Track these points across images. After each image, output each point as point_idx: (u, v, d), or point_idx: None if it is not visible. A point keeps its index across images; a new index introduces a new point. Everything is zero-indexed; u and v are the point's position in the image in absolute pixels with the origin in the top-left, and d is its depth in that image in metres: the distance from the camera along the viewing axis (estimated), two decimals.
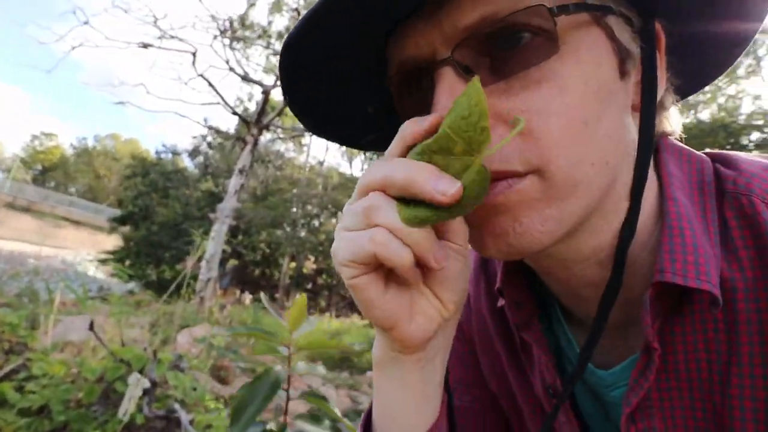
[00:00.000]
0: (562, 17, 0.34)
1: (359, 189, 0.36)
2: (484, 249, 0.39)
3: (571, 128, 0.34)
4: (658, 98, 0.41)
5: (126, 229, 17.63)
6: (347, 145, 0.53)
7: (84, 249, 27.42)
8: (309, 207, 17.85)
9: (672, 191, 0.41)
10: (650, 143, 0.39)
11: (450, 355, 0.53)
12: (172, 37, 9.21)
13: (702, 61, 0.48)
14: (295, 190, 18.05)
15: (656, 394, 0.41)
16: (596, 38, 0.37)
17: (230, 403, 2.88)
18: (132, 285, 14.85)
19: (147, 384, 1.65)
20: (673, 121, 0.47)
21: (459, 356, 0.64)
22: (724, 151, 0.46)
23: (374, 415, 0.45)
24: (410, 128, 0.35)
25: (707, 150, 0.47)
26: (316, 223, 17.81)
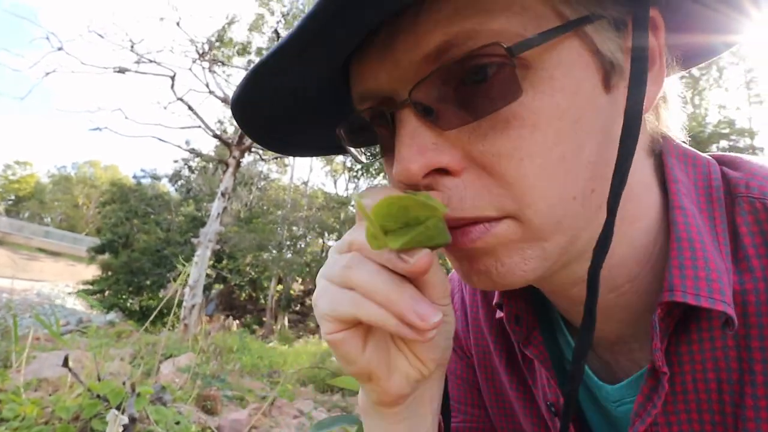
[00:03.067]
0: (527, 51, 0.30)
1: (344, 243, 0.35)
2: (469, 282, 0.37)
3: (546, 169, 0.32)
4: (658, 95, 0.37)
5: (105, 257, 17.19)
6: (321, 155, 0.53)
7: (62, 280, 26.63)
8: (294, 228, 17.72)
9: (679, 199, 0.38)
10: (631, 150, 0.33)
11: (448, 373, 0.50)
12: (150, 61, 9.15)
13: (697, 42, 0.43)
14: (280, 212, 17.93)
15: (663, 419, 0.38)
16: (575, 55, 0.32)
17: None
18: (112, 315, 14.43)
19: (125, 420, 1.55)
20: (676, 119, 0.43)
21: (456, 375, 0.62)
22: (730, 154, 0.43)
23: None
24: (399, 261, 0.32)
25: (712, 153, 0.44)
26: (302, 244, 17.65)
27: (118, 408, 1.87)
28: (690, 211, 0.37)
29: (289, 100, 0.38)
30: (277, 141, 0.45)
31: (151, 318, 3.20)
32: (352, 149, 0.42)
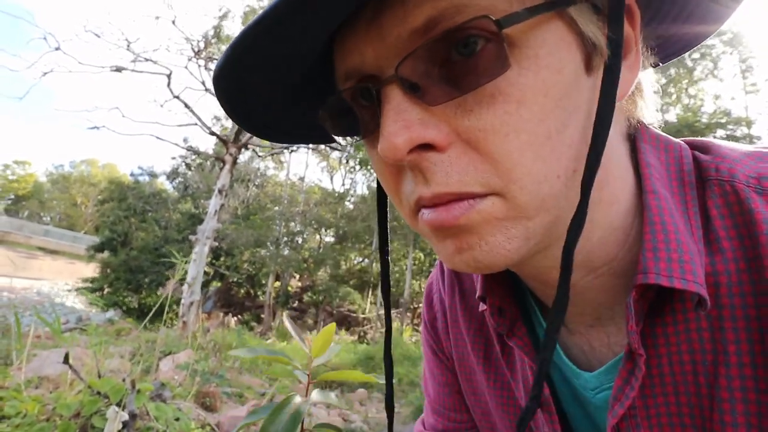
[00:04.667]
0: (513, 26, 0.30)
1: None
2: (451, 262, 0.36)
3: (532, 145, 0.32)
4: (633, 82, 0.38)
5: (104, 255, 17.22)
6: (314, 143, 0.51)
7: (61, 279, 26.62)
8: (292, 224, 17.73)
9: (652, 183, 0.38)
10: (604, 136, 0.34)
11: (429, 378, 0.50)
12: (146, 59, 9.13)
13: (675, 35, 0.44)
14: (277, 208, 17.94)
15: (641, 402, 0.39)
16: (558, 36, 0.32)
17: None
18: (111, 313, 14.46)
19: (126, 417, 1.59)
20: (651, 107, 0.43)
21: (439, 380, 0.62)
22: (702, 138, 0.44)
23: None
24: None
25: (684, 138, 0.44)
26: (299, 240, 17.66)
27: (118, 405, 1.92)
28: (662, 195, 0.38)
29: (269, 82, 0.37)
30: (260, 125, 0.43)
31: (150, 316, 3.25)
32: (334, 134, 0.40)
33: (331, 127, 0.40)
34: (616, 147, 0.39)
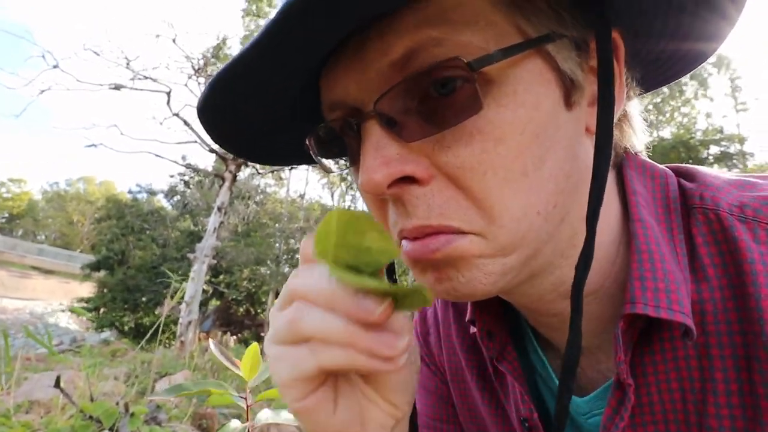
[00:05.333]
0: (489, 66, 0.30)
1: (284, 297, 0.33)
2: (432, 290, 0.36)
3: (509, 182, 0.32)
4: (617, 113, 0.38)
5: (101, 274, 17.03)
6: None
7: (55, 299, 26.30)
8: (292, 241, 17.65)
9: (639, 211, 0.39)
10: (605, 173, 0.34)
11: (420, 389, 0.52)
12: (146, 77, 9.16)
13: (659, 67, 0.45)
14: (277, 225, 17.87)
15: (630, 430, 0.39)
16: (536, 72, 0.33)
17: None
18: (107, 334, 14.23)
19: None
20: (639, 135, 0.44)
21: (430, 390, 0.61)
22: (686, 165, 0.45)
23: None
24: (357, 308, 0.29)
25: (669, 164, 0.45)
26: (299, 257, 17.61)
27: (111, 429, 1.80)
28: (649, 223, 0.38)
29: (257, 111, 0.38)
30: (248, 151, 0.45)
31: (147, 336, 3.13)
32: (322, 159, 0.41)
33: (318, 153, 0.40)
34: None
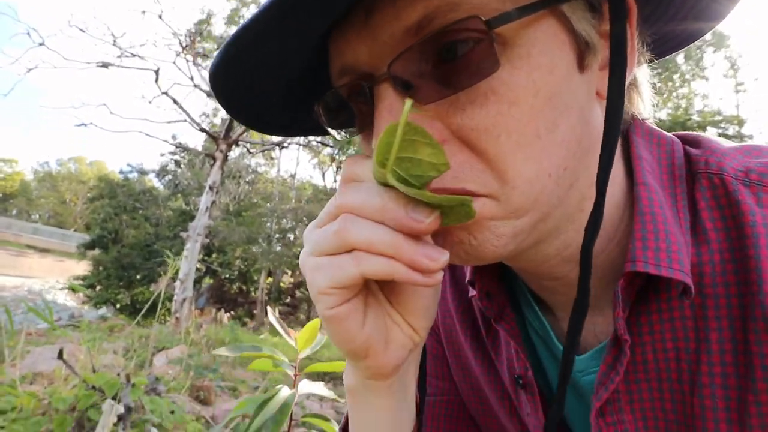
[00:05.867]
0: (503, 26, 0.30)
1: (328, 212, 0.34)
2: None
3: (524, 145, 0.32)
4: (629, 78, 0.37)
5: (95, 253, 17.08)
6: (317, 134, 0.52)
7: (51, 277, 26.37)
8: (284, 221, 17.69)
9: (643, 176, 0.39)
10: (615, 138, 0.34)
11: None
12: (133, 55, 9.05)
13: (671, 30, 0.45)
14: (268, 205, 17.88)
15: (624, 387, 0.40)
16: (551, 34, 0.33)
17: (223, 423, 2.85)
18: (104, 310, 14.39)
19: (121, 410, 1.64)
20: (647, 102, 0.45)
21: (428, 349, 0.63)
22: (693, 132, 0.45)
23: None
24: (407, 218, 0.30)
25: (676, 132, 0.45)
26: (291, 236, 17.65)
27: (113, 398, 1.96)
28: (653, 187, 0.39)
29: (267, 78, 0.38)
30: (253, 118, 0.44)
31: (143, 312, 3.28)
32: (330, 128, 0.41)
33: (326, 122, 0.40)
34: None
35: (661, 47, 0.47)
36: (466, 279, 0.51)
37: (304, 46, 0.34)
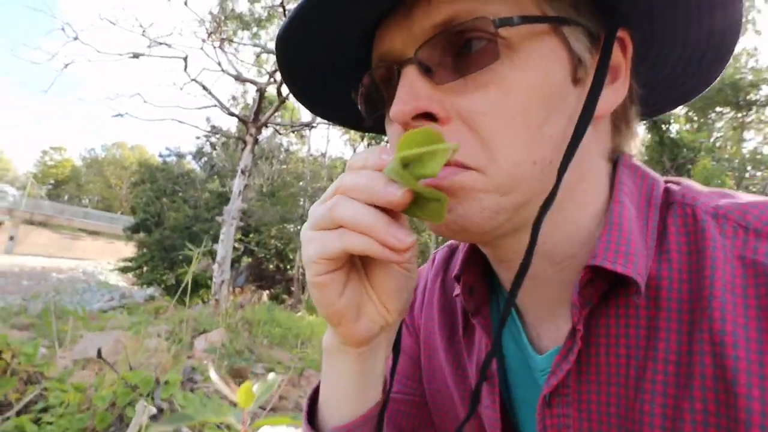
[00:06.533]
0: (509, 28, 0.38)
1: (328, 192, 0.40)
2: (432, 224, 0.43)
3: (513, 130, 0.38)
4: (617, 103, 0.44)
5: (141, 236, 17.94)
6: (351, 127, 0.59)
7: (103, 258, 28.02)
8: (316, 200, 17.90)
9: (620, 196, 0.44)
10: (582, 131, 0.41)
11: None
12: (162, 44, 9.18)
13: (671, 80, 0.51)
14: (301, 183, 18.09)
15: (575, 386, 0.43)
16: (550, 48, 0.40)
17: None
18: (151, 290, 15.21)
19: (153, 411, 1.72)
20: (637, 141, 0.50)
21: (403, 350, 0.67)
22: (677, 178, 0.49)
23: (320, 395, 0.50)
24: (373, 160, 0.38)
25: (665, 178, 0.49)
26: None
27: (149, 395, 2.07)
28: (626, 205, 0.43)
29: (321, 54, 0.46)
30: (308, 95, 0.53)
31: (184, 293, 3.42)
32: (365, 112, 0.48)
33: (362, 104, 0.48)
34: (596, 161, 0.46)
35: (658, 104, 0.54)
36: (454, 273, 0.55)
37: (355, 30, 0.43)
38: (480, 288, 0.54)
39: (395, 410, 0.64)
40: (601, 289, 0.41)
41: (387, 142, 0.47)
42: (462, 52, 0.39)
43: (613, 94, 0.44)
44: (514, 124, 0.38)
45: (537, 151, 0.39)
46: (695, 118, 14.98)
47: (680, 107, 0.52)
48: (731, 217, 0.40)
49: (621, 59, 0.44)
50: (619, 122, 0.48)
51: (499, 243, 0.45)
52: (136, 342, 4.51)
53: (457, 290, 0.55)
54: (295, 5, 0.39)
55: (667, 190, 0.45)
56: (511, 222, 0.42)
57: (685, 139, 13.21)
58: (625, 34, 0.44)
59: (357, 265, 0.43)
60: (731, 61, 0.48)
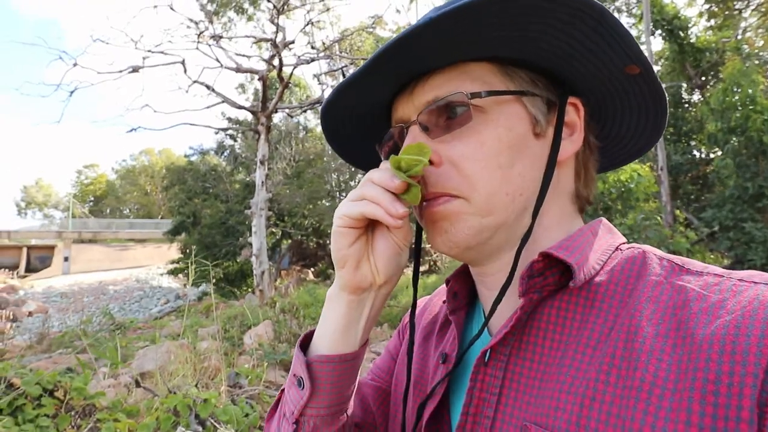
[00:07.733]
0: (479, 99, 0.52)
1: (364, 180, 0.54)
2: (433, 243, 0.56)
3: (488, 169, 0.52)
4: (573, 151, 0.56)
5: (182, 237, 18.64)
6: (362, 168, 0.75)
7: (154, 263, 29.49)
8: (340, 176, 17.90)
9: (584, 228, 0.56)
10: (551, 172, 0.54)
11: (385, 351, 0.77)
12: (155, 53, 9.13)
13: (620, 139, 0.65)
14: (325, 159, 18.09)
15: (513, 357, 0.51)
16: (514, 112, 0.53)
17: None
18: (204, 287, 15.92)
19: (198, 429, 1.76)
20: (587, 184, 0.61)
21: (389, 350, 0.80)
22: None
23: (315, 332, 0.62)
24: (390, 180, 0.52)
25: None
26: (353, 183, 17.89)
27: (190, 415, 2.14)
28: (587, 233, 0.55)
29: (354, 120, 0.63)
30: (339, 147, 0.69)
31: (229, 285, 3.49)
32: (383, 155, 0.64)
33: (382, 150, 0.63)
34: (560, 195, 0.57)
35: (619, 155, 0.68)
36: (446, 278, 0.67)
37: (378, 102, 0.60)
38: (463, 296, 0.65)
39: (364, 392, 0.75)
40: (551, 280, 0.51)
41: None
42: (449, 116, 0.53)
43: (570, 144, 0.56)
44: (488, 165, 0.51)
45: (509, 186, 0.52)
46: (717, 11, 13.65)
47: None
48: (675, 260, 0.50)
49: (575, 118, 0.56)
50: (579, 168, 0.59)
51: (482, 260, 0.57)
52: (188, 349, 4.70)
53: (444, 298, 0.68)
54: (334, 88, 0.56)
55: (629, 243, 0.56)
56: (494, 240, 0.54)
57: (707, 41, 12.13)
58: (576, 100, 0.56)
59: (368, 234, 0.57)
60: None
